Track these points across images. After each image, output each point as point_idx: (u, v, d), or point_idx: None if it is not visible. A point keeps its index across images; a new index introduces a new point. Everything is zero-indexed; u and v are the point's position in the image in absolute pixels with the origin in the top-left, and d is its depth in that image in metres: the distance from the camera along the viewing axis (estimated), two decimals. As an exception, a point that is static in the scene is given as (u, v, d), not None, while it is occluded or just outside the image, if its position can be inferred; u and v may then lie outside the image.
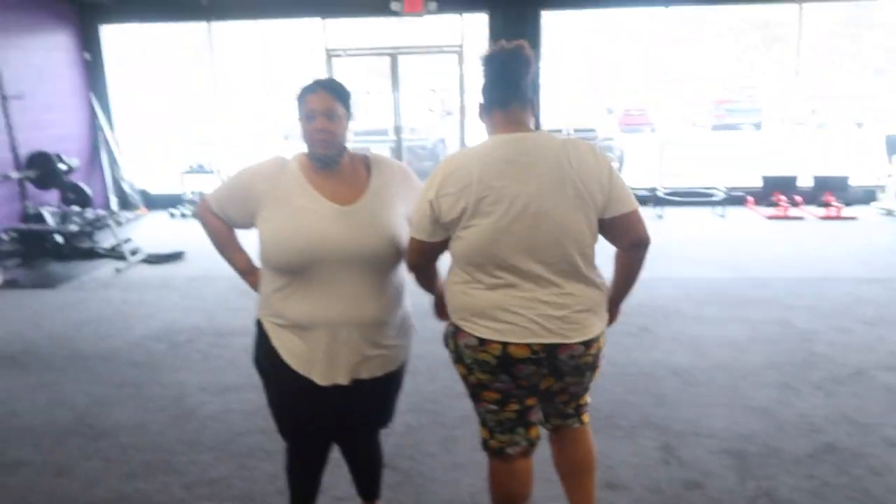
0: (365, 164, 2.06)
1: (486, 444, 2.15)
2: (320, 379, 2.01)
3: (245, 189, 2.01)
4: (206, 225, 2.18)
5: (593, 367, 2.07)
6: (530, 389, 2.04)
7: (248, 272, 2.22)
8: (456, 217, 1.88)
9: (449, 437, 3.29)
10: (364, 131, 10.01)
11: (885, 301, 5.05)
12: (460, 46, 8.96)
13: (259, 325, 2.12)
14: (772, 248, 6.79)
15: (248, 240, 2.21)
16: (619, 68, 32.83)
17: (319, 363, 1.99)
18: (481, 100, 2.01)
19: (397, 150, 9.38)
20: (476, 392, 2.07)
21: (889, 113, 20.46)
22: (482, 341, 1.94)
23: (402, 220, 2.04)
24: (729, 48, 33.24)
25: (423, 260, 2.04)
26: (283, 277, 1.98)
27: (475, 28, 9.01)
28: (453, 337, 2.04)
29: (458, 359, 2.05)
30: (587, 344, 1.97)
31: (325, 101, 1.90)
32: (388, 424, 2.34)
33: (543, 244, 1.87)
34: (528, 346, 1.91)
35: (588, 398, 2.25)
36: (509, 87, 1.94)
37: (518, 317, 1.90)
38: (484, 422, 2.12)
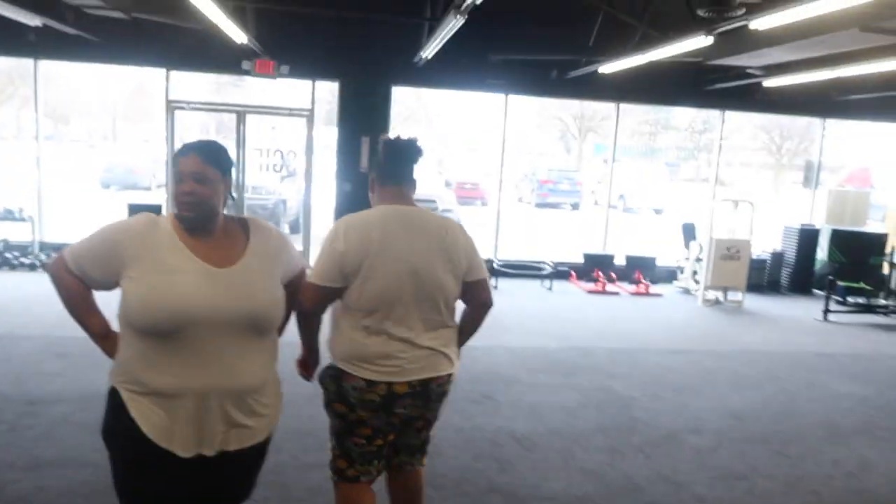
0: (243, 227, 2.04)
1: (342, 473, 2.42)
2: (183, 450, 1.89)
3: (110, 245, 1.90)
4: (59, 283, 2.02)
5: (447, 394, 2.43)
6: (399, 425, 2.37)
7: (103, 336, 2.07)
8: (356, 268, 2.22)
9: (297, 510, 3.19)
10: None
11: (687, 370, 5.71)
12: (310, 111, 9.04)
13: (113, 393, 1.96)
14: (593, 320, 7.42)
15: (106, 300, 2.08)
16: (455, 142, 34.64)
17: (182, 433, 1.88)
18: (375, 174, 2.42)
19: (239, 208, 9.11)
20: (352, 428, 2.34)
21: (681, 203, 23.45)
22: (370, 383, 2.25)
23: (280, 283, 2.06)
24: (550, 133, 36.45)
25: (320, 306, 2.31)
26: (146, 341, 1.87)
27: (323, 93, 9.14)
28: (336, 379, 2.32)
29: (338, 398, 2.33)
30: (450, 374, 2.38)
31: (196, 164, 1.88)
32: (248, 498, 2.25)
33: (424, 297, 2.27)
34: (408, 382, 2.27)
35: (433, 432, 2.59)
36: (406, 169, 2.41)
37: (400, 360, 2.25)
38: (348, 453, 2.39)
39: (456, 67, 8.56)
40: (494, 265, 9.04)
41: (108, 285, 1.95)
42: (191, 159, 1.88)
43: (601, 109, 29.06)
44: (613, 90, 9.08)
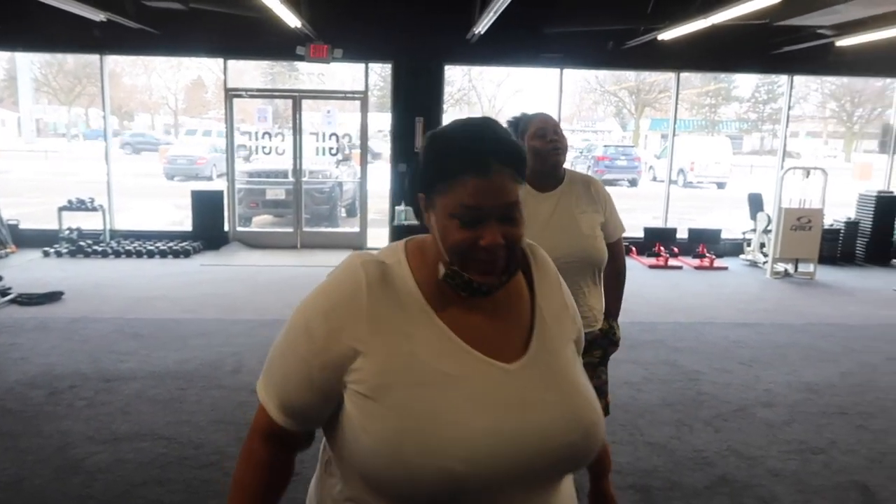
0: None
1: None
2: None
3: (314, 349, 1.03)
4: (245, 464, 1.15)
5: None
6: None
7: None
8: None
9: (362, 482, 3.22)
10: (262, 171, 9.83)
11: (757, 344, 5.50)
12: (364, 93, 9.08)
13: None
14: (655, 295, 7.24)
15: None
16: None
17: None
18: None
19: (296, 193, 9.27)
20: None
21: (745, 176, 22.65)
22: None
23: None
24: (607, 110, 35.72)
25: None
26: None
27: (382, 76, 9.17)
28: None
29: None
30: None
31: (505, 187, 1.01)
32: None
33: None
34: None
35: None
36: None
37: None
38: None
39: (509, 43, 8.43)
40: (552, 242, 8.91)
41: (325, 416, 1.08)
42: (496, 180, 1.00)
43: (658, 83, 28.28)
44: (673, 59, 8.78)
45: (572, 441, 1.01)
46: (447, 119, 9.86)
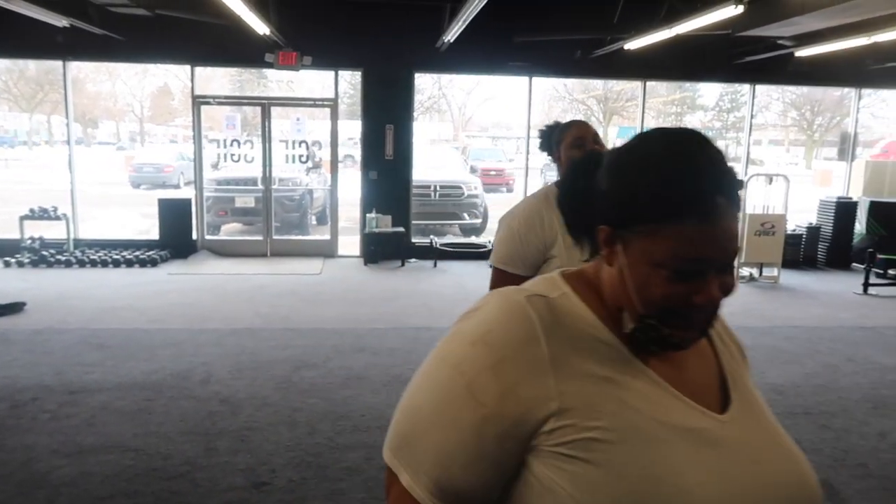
0: None
1: None
2: None
3: (486, 415, 0.81)
4: None
5: None
6: None
7: None
8: None
9: (335, 490, 3.21)
10: (231, 179, 9.74)
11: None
12: (334, 100, 9.06)
13: None
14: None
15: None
16: (478, 130, 34.54)
17: None
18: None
19: (266, 200, 9.20)
20: None
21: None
22: None
23: None
24: (575, 117, 36.07)
25: None
26: None
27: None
28: None
29: None
30: None
31: (732, 235, 0.82)
32: None
33: None
34: None
35: None
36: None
37: None
38: None
39: (478, 51, 8.50)
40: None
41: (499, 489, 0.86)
42: (722, 225, 0.80)
43: (625, 92, 28.71)
44: (639, 68, 8.93)
45: (798, 497, 0.87)
46: (418, 127, 9.91)
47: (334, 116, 9.06)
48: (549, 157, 2.24)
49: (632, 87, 21.82)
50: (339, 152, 9.28)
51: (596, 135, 2.20)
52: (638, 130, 10.39)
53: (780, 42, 8.19)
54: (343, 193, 9.53)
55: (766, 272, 8.38)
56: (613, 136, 32.63)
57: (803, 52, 8.17)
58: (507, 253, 2.14)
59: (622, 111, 31.51)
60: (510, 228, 2.14)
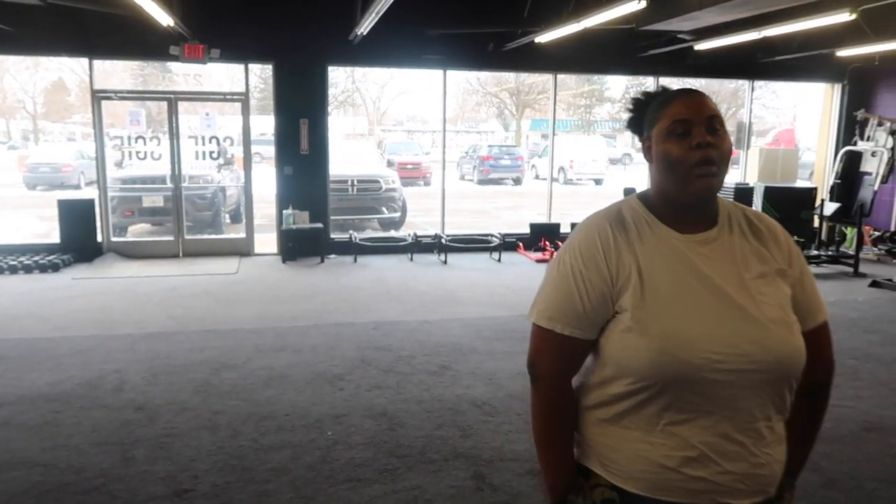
0: None
1: None
2: None
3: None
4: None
5: None
6: None
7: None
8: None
9: (262, 492, 3.15)
10: (137, 178, 9.31)
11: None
12: (245, 94, 8.81)
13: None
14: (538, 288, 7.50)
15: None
16: (394, 123, 34.43)
17: None
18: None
19: (176, 199, 8.85)
20: None
21: (620, 171, 23.96)
22: None
23: None
24: (489, 111, 36.61)
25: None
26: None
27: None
28: None
29: None
30: None
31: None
32: None
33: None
34: None
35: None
36: None
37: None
38: None
39: (392, 44, 8.47)
40: (443, 241, 9.05)
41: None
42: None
43: (537, 84, 29.32)
44: (550, 61, 9.15)
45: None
46: (333, 121, 9.79)
47: (246, 111, 8.82)
48: (640, 145, 1.42)
49: (543, 79, 22.31)
50: (251, 148, 9.04)
51: (713, 116, 1.29)
52: (550, 123, 10.64)
53: (679, 36, 8.59)
54: (258, 190, 9.30)
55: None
56: (526, 129, 33.28)
57: (701, 46, 8.59)
58: (557, 304, 1.35)
59: (534, 104, 32.15)
60: (563, 264, 1.37)
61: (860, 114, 9.50)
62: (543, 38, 7.83)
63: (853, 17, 6.37)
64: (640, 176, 10.75)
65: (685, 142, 1.28)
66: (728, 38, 7.94)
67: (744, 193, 9.85)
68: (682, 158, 1.27)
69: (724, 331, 1.24)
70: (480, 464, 3.41)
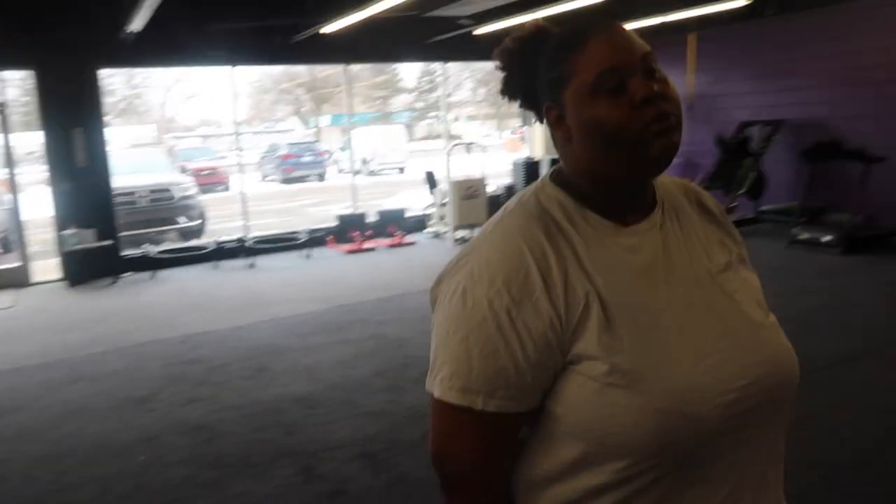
0: None
1: None
2: None
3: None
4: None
5: None
6: None
7: None
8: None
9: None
10: None
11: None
12: (1, 106, 7.78)
13: None
14: (355, 277, 7.55)
15: None
16: (186, 128, 32.39)
17: None
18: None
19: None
20: None
21: (421, 160, 24.68)
22: None
23: None
24: (286, 109, 35.78)
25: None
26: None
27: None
28: None
29: None
30: None
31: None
32: None
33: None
34: None
35: None
36: None
37: None
38: None
39: (171, 41, 7.91)
40: (247, 244, 8.74)
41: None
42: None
43: (332, 78, 29.15)
44: (340, 52, 9.11)
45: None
46: (114, 131, 9.05)
47: (4, 126, 7.81)
48: (534, 117, 1.00)
49: (337, 72, 22.22)
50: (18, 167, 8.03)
51: (647, 53, 0.89)
52: (348, 116, 10.68)
53: (460, 22, 8.98)
54: (34, 212, 8.30)
55: (477, 231, 9.25)
56: (327, 124, 33.02)
57: (481, 31, 9.06)
58: (472, 366, 0.86)
59: (331, 98, 31.97)
60: (473, 302, 0.87)
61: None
62: (330, 28, 7.80)
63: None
64: (437, 161, 11.05)
65: (622, 99, 0.85)
66: (505, 21, 8.43)
67: (532, 167, 10.61)
68: (626, 123, 0.85)
69: (725, 356, 0.87)
70: (307, 458, 3.38)
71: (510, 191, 10.62)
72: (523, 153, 11.69)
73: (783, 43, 8.54)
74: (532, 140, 11.37)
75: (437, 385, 0.88)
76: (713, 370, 0.85)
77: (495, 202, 10.14)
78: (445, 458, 0.91)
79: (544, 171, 7.88)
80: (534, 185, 0.97)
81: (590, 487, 0.86)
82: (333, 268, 8.19)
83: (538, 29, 0.96)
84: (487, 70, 31.39)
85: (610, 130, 0.85)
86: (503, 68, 0.99)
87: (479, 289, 0.86)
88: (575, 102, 0.88)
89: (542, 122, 0.95)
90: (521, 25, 0.96)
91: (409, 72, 34.67)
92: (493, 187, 10.37)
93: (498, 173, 11.73)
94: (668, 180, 1.02)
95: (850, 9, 7.58)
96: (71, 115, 7.79)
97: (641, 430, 0.81)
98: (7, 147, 7.89)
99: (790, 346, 0.94)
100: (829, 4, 7.68)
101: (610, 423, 0.83)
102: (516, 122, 32.51)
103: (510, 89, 0.99)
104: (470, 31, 9.17)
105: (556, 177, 0.96)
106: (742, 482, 0.89)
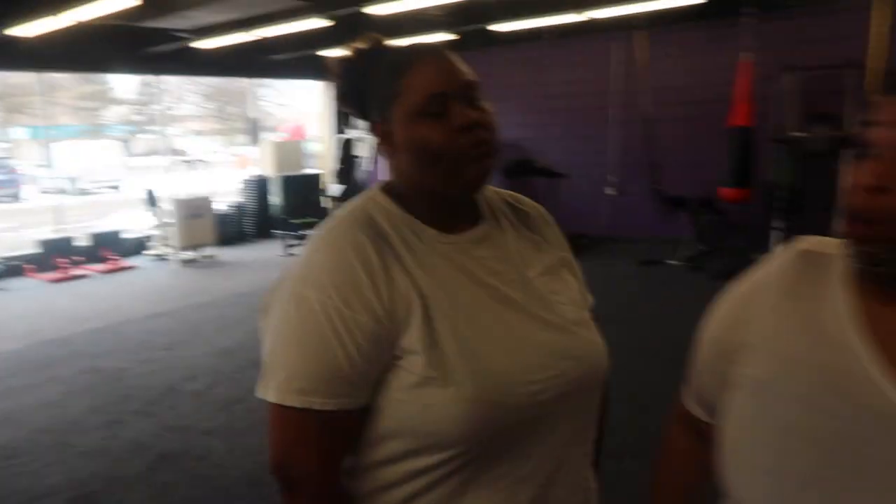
0: None
1: None
2: None
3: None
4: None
5: None
6: None
7: None
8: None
9: None
10: None
11: (175, 328, 5.81)
12: None
13: None
14: (63, 308, 6.77)
15: None
16: None
17: None
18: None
19: None
20: None
21: (140, 176, 22.75)
22: None
23: None
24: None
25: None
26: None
27: None
28: None
29: None
30: None
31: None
32: None
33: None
34: None
35: None
36: None
37: None
38: None
39: None
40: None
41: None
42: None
43: (28, 86, 25.51)
44: (33, 59, 8.10)
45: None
46: None
47: None
48: (367, 129, 1.05)
49: (33, 80, 19.51)
50: None
51: (470, 83, 0.99)
52: (49, 127, 9.50)
53: (178, 34, 8.58)
54: None
55: (204, 252, 8.90)
56: (24, 137, 28.77)
57: (200, 45, 8.75)
58: (308, 367, 0.91)
59: (27, 108, 27.95)
60: (305, 305, 0.92)
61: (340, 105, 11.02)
62: (19, 31, 6.92)
63: (331, 23, 7.32)
64: (160, 177, 10.34)
65: (445, 124, 0.94)
66: (225, 37, 8.27)
67: (262, 184, 10.52)
68: (446, 146, 0.94)
69: (533, 351, 0.96)
70: (7, 511, 3.01)
71: (240, 209, 10.39)
72: (254, 170, 11.52)
73: (486, 73, 9.61)
74: (263, 157, 11.26)
75: (274, 389, 0.90)
76: (522, 363, 0.94)
77: (224, 221, 9.86)
78: (290, 462, 0.92)
79: (274, 188, 8.02)
80: (364, 194, 1.05)
81: (411, 471, 0.93)
82: (35, 300, 7.25)
83: (375, 45, 1.04)
84: (215, 84, 30.16)
85: (432, 151, 0.94)
86: (342, 81, 1.05)
87: (311, 293, 0.90)
88: (401, 121, 0.96)
89: (371, 133, 1.04)
90: (362, 38, 1.04)
91: (124, 82, 31.80)
92: (220, 206, 10.05)
93: (226, 191, 11.40)
94: (493, 192, 1.11)
95: (540, 46, 8.85)
96: None
97: (456, 420, 0.88)
98: None
99: (600, 341, 1.05)
100: (523, 41, 8.87)
101: (429, 419, 0.89)
102: (244, 137, 31.68)
103: (343, 100, 1.07)
104: (188, 45, 8.81)
105: (386, 187, 1.04)
106: (549, 459, 0.98)
